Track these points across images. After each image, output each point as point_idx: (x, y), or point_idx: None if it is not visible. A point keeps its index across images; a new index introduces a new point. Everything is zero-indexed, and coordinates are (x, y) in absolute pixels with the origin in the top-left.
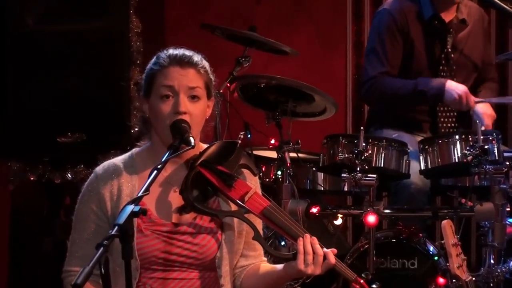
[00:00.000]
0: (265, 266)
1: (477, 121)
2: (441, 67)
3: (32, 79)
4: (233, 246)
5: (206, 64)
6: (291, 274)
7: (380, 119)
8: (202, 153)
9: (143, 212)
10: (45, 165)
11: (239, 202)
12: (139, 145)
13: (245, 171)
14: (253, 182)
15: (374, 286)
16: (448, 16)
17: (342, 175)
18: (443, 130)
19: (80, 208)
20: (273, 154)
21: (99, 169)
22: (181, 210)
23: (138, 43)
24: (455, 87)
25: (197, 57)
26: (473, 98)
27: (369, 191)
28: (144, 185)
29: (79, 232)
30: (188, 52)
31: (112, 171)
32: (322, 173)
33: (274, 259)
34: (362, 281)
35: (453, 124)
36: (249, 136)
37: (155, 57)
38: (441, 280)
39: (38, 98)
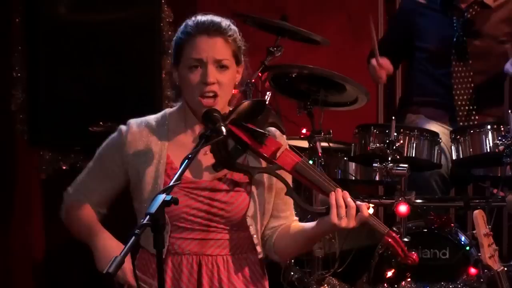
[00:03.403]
0: (297, 225)
1: (510, 111)
2: (453, 51)
3: (64, 68)
4: (263, 202)
5: (234, 30)
6: (325, 229)
7: (404, 106)
8: (232, 112)
9: (174, 202)
10: (77, 154)
11: (271, 159)
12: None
13: (273, 129)
14: (281, 139)
15: (405, 239)
16: (465, 0)
17: (374, 164)
18: (460, 113)
19: (104, 148)
20: (304, 144)
21: (132, 121)
22: (213, 168)
23: (169, 33)
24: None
25: (225, 23)
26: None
27: (401, 181)
28: (176, 174)
29: (94, 166)
30: (216, 19)
31: (144, 127)
32: (354, 163)
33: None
34: (394, 234)
35: (475, 117)
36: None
37: (183, 24)
38: (472, 270)
39: (70, 87)
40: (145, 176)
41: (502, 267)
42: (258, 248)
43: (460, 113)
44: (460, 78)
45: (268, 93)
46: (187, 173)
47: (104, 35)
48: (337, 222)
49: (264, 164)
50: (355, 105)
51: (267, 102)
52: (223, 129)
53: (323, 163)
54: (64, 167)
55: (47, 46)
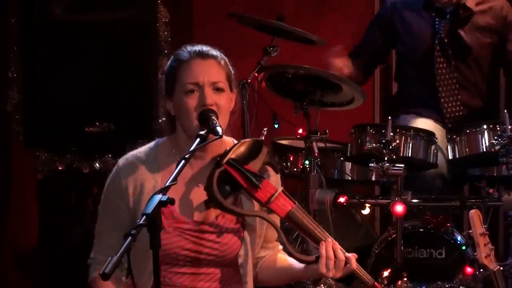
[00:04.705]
0: (283, 259)
1: (505, 111)
2: (436, 53)
3: (60, 69)
4: (254, 244)
5: (225, 57)
6: (311, 275)
7: (396, 106)
8: (229, 151)
9: (170, 202)
10: (73, 154)
11: (265, 204)
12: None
13: (268, 168)
14: (275, 180)
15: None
16: (446, 3)
17: (370, 164)
18: (448, 115)
19: (104, 200)
20: (301, 144)
21: (122, 162)
22: (205, 204)
23: (166, 33)
24: None
25: (215, 51)
26: None
27: (397, 181)
28: (172, 174)
29: (103, 222)
30: (206, 47)
31: (135, 165)
32: (350, 163)
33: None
34: (379, 286)
35: (459, 109)
36: (276, 126)
37: (172, 56)
38: (468, 270)
39: (66, 88)
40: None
41: (498, 267)
42: (245, 287)
43: (448, 115)
44: (444, 81)
45: (264, 129)
46: (178, 210)
47: (100, 35)
48: (324, 273)
49: (257, 206)
50: (351, 105)
51: (263, 141)
52: (219, 129)
53: (319, 163)
54: (60, 168)
55: (43, 47)
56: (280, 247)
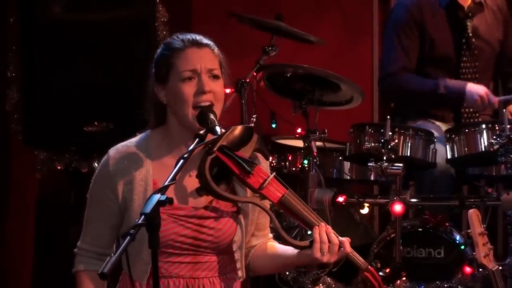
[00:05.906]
0: (274, 246)
1: (504, 110)
2: (463, 52)
3: (59, 68)
4: (246, 230)
5: (215, 45)
6: (305, 261)
7: (404, 111)
8: (219, 138)
9: (169, 201)
10: (72, 154)
11: (258, 190)
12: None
13: (258, 155)
14: (265, 166)
15: (381, 273)
16: (465, 1)
17: (369, 164)
18: (466, 120)
19: (93, 189)
20: (299, 143)
21: (112, 151)
22: (196, 192)
23: (164, 32)
24: (475, 90)
25: (207, 40)
26: (495, 98)
27: (396, 180)
28: (171, 174)
29: (90, 211)
30: (198, 36)
31: (126, 155)
32: (349, 162)
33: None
34: (373, 269)
35: (477, 115)
36: (273, 126)
37: (163, 44)
38: (467, 269)
39: (65, 87)
40: (133, 204)
41: (496, 266)
42: (239, 273)
43: (465, 115)
44: (467, 80)
45: (254, 116)
46: (173, 198)
47: (99, 34)
48: (319, 257)
49: (249, 192)
50: (350, 105)
51: (254, 128)
52: (218, 129)
53: (318, 163)
54: (59, 167)
55: (42, 46)
56: (271, 235)
